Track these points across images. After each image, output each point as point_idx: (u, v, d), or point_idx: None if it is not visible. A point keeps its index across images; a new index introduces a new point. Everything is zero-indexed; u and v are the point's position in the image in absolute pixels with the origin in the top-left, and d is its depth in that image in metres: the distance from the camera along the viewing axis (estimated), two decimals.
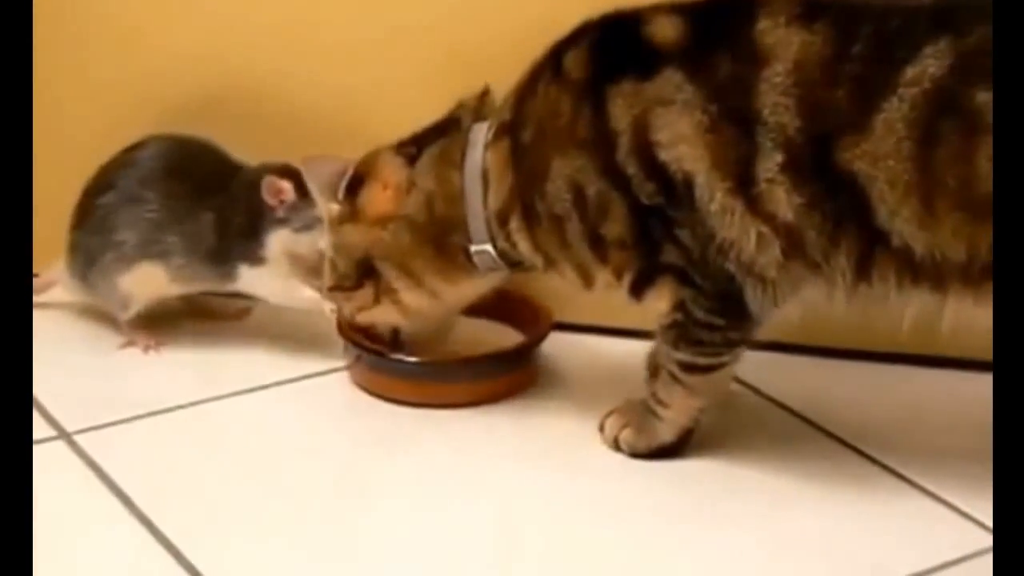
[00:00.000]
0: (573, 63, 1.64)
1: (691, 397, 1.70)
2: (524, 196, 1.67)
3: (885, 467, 1.72)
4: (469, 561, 1.56)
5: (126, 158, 1.88)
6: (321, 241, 1.81)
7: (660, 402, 1.71)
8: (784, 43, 1.54)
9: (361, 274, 1.76)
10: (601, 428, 1.75)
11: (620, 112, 1.59)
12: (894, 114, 1.50)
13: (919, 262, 1.53)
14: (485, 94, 1.75)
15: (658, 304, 1.66)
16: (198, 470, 1.70)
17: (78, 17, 1.96)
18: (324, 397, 1.84)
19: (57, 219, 1.90)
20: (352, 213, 1.75)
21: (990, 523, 1.60)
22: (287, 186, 1.82)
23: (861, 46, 1.52)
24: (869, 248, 1.54)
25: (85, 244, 1.89)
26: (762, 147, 1.54)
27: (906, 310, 1.57)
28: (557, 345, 1.89)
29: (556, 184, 1.64)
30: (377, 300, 1.77)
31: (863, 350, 1.89)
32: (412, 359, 1.82)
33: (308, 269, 1.86)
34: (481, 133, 1.71)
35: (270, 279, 1.86)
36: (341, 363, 1.87)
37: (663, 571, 1.55)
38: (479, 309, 1.86)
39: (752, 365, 1.77)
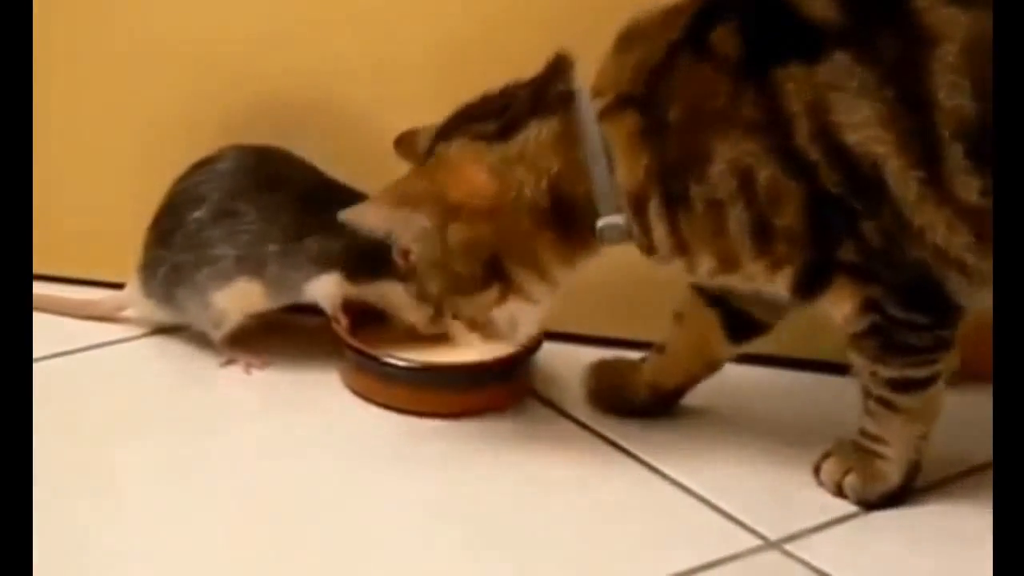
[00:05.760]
0: (723, 41, 1.55)
1: (911, 424, 1.60)
2: (669, 180, 1.57)
3: (650, 466, 1.71)
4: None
5: (208, 170, 1.85)
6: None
7: (876, 439, 1.61)
8: (951, 22, 1.49)
9: (488, 275, 1.64)
10: (816, 471, 1.66)
11: (792, 96, 1.52)
12: None
13: None
14: (569, 61, 1.63)
15: (836, 308, 1.57)
16: None
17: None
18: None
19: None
20: (454, 210, 1.62)
21: (751, 523, 1.61)
22: None
23: None
24: None
25: (173, 261, 1.85)
26: (943, 131, 1.49)
27: None
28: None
29: (720, 167, 1.55)
30: (503, 299, 1.65)
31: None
32: (409, 363, 1.80)
33: None
34: (585, 101, 1.60)
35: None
36: None
37: None
38: None
39: None
